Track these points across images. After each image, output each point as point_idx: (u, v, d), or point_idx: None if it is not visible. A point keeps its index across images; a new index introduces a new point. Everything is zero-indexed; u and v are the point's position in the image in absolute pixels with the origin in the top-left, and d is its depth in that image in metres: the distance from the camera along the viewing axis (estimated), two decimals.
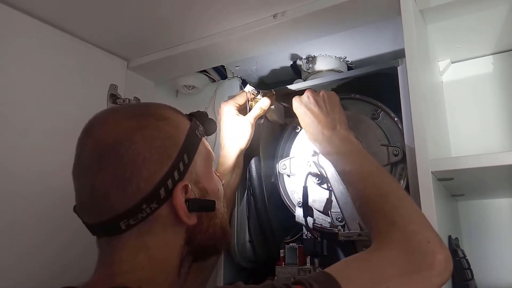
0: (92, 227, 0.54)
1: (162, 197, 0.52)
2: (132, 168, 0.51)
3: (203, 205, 0.58)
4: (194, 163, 0.57)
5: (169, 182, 0.53)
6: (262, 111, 0.87)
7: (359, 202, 0.65)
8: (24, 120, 0.81)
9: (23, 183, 0.79)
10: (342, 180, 0.73)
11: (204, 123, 0.63)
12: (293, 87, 0.94)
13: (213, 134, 0.68)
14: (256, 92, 0.88)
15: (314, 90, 0.82)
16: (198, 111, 0.65)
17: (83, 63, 0.95)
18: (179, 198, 0.53)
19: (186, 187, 0.55)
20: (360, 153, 0.71)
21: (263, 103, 0.87)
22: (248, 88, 0.87)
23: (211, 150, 0.65)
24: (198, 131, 0.60)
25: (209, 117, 0.66)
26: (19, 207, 0.78)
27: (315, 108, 0.77)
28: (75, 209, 0.56)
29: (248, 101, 0.88)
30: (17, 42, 0.81)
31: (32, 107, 0.83)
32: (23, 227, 0.79)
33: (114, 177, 0.51)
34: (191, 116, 0.62)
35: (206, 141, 0.63)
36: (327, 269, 0.53)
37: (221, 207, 0.64)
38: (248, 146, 0.86)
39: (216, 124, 0.66)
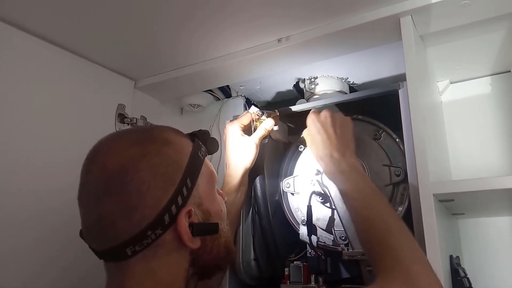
0: (99, 253, 0.55)
1: (166, 223, 0.53)
2: (137, 196, 0.52)
3: (206, 229, 0.59)
4: (197, 186, 0.58)
5: (173, 208, 0.54)
6: (267, 131, 0.89)
7: (361, 227, 0.66)
8: (33, 139, 0.83)
9: (30, 202, 0.81)
10: (344, 203, 0.75)
11: (206, 143, 0.64)
12: (296, 108, 0.97)
13: (218, 152, 0.69)
14: (261, 113, 0.90)
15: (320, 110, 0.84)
16: (200, 130, 0.65)
17: (92, 84, 0.97)
18: (183, 223, 0.54)
19: (189, 212, 0.55)
20: (366, 182, 0.72)
21: (267, 124, 0.89)
22: (253, 109, 0.90)
23: (214, 170, 0.65)
24: (200, 152, 0.61)
25: (211, 136, 0.67)
26: (25, 227, 0.80)
27: (330, 130, 0.78)
28: (81, 234, 0.58)
29: (253, 121, 0.90)
30: (26, 63, 0.83)
31: (42, 127, 0.85)
32: (28, 247, 0.80)
33: (120, 205, 0.52)
34: (193, 137, 0.63)
35: (208, 162, 0.64)
36: None
37: (224, 226, 0.65)
38: (253, 165, 0.88)
39: (218, 142, 0.68)
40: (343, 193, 0.74)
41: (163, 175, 0.54)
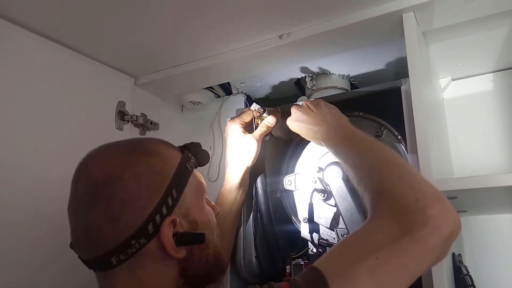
0: (87, 262, 0.56)
1: (150, 232, 0.53)
2: (121, 205, 0.53)
3: (191, 239, 0.58)
4: (183, 197, 0.58)
5: (157, 218, 0.54)
6: (268, 128, 0.89)
7: (357, 184, 0.63)
8: (33, 137, 0.82)
9: (28, 201, 0.80)
10: (346, 168, 0.71)
11: (196, 155, 0.64)
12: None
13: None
14: (262, 110, 0.90)
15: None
16: (192, 142, 0.66)
17: (92, 81, 0.97)
18: (167, 232, 0.54)
19: (174, 221, 0.55)
20: (352, 134, 0.70)
21: (269, 121, 0.89)
22: (254, 106, 0.89)
23: (203, 182, 0.65)
24: (189, 164, 0.61)
25: (202, 148, 0.67)
26: (24, 228, 0.79)
27: (304, 116, 0.79)
28: (71, 245, 0.58)
29: (254, 118, 0.90)
30: (25, 60, 0.82)
31: (42, 124, 0.84)
32: (26, 249, 0.79)
33: (105, 214, 0.53)
34: (184, 149, 0.63)
35: (198, 173, 0.64)
36: (316, 262, 0.50)
37: (213, 237, 0.64)
38: (254, 163, 0.87)
39: (208, 154, 0.69)
40: (340, 160, 0.72)
41: (147, 184, 0.55)
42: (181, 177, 0.59)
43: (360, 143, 0.68)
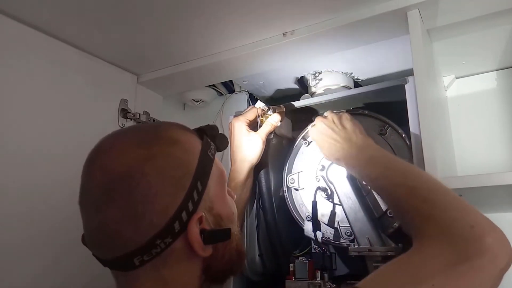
0: (104, 261, 0.52)
1: (176, 230, 0.49)
2: (144, 203, 0.48)
3: (219, 236, 0.54)
4: (207, 190, 0.53)
5: (184, 215, 0.50)
6: (273, 127, 0.89)
7: (392, 206, 0.63)
8: (35, 134, 0.82)
9: (32, 199, 0.80)
10: (372, 188, 0.71)
11: (215, 139, 0.59)
12: (300, 103, 0.96)
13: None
14: (267, 108, 0.89)
15: (320, 109, 0.83)
16: (208, 125, 0.60)
17: (94, 79, 0.96)
18: (194, 231, 0.50)
19: (201, 218, 0.51)
20: (381, 154, 0.70)
21: (273, 119, 0.89)
22: (259, 104, 0.89)
23: (224, 170, 0.61)
24: (210, 151, 0.56)
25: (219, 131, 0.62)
26: (31, 224, 0.79)
27: (328, 131, 0.78)
28: (84, 241, 0.54)
29: (258, 116, 0.89)
30: (28, 57, 0.82)
31: (44, 122, 0.84)
32: (36, 245, 0.79)
33: (125, 213, 0.48)
34: (201, 133, 0.57)
35: (218, 160, 0.60)
36: (362, 283, 0.48)
37: (235, 229, 0.60)
38: (258, 161, 0.87)
39: (227, 139, 0.63)
40: (365, 178, 0.71)
41: (171, 178, 0.50)
42: (204, 167, 0.53)
43: (393, 163, 0.66)
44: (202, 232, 0.51)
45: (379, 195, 0.69)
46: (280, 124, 0.93)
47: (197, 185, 0.52)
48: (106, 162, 0.50)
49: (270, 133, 0.90)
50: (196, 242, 0.50)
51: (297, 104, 0.96)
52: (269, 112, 0.89)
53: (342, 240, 0.83)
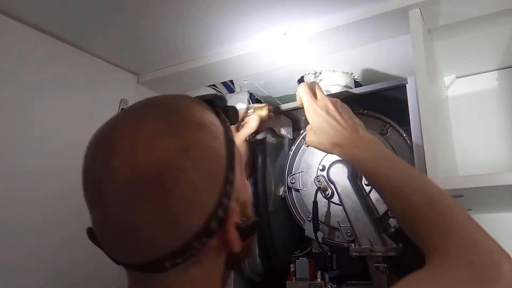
0: (126, 265, 0.46)
1: (213, 229, 0.44)
2: (182, 204, 0.42)
3: (251, 230, 0.50)
4: (235, 178, 0.47)
5: (220, 212, 0.44)
6: (251, 128, 0.84)
7: (402, 212, 0.59)
8: (34, 135, 0.82)
9: (34, 200, 0.80)
10: (375, 188, 0.66)
11: (228, 114, 0.51)
12: (286, 106, 0.97)
13: None
14: (245, 108, 0.85)
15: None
16: (216, 96, 0.52)
17: (94, 78, 0.96)
18: (232, 228, 0.46)
19: (234, 212, 0.47)
20: (392, 157, 0.66)
21: (250, 121, 0.84)
22: (239, 105, 0.84)
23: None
24: (230, 132, 0.49)
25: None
26: (34, 233, 0.79)
27: (328, 119, 0.70)
28: (93, 237, 0.46)
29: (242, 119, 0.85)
30: (26, 57, 0.82)
31: (43, 122, 0.84)
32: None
33: (161, 216, 0.41)
34: (215, 108, 0.50)
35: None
36: None
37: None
38: (245, 164, 0.85)
39: (238, 111, 0.58)
40: (369, 177, 0.66)
41: (207, 172, 0.44)
42: (232, 154, 0.47)
43: (402, 165, 0.63)
44: (237, 228, 0.47)
45: (381, 195, 0.65)
46: (280, 124, 0.93)
47: (229, 176, 0.46)
48: (133, 155, 0.41)
49: (258, 133, 0.88)
50: (234, 240, 0.46)
51: (282, 107, 0.96)
52: (250, 111, 0.85)
53: (343, 240, 0.83)
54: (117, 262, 0.46)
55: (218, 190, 0.44)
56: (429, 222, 0.54)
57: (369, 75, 1.06)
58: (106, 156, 0.42)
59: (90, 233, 0.46)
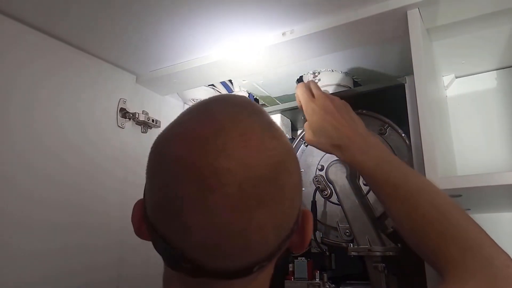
0: (213, 271, 0.40)
1: (295, 227, 0.43)
2: (290, 204, 0.41)
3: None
4: None
5: (300, 207, 0.44)
6: None
7: (410, 222, 0.57)
8: (33, 134, 0.81)
9: (34, 201, 0.79)
10: (378, 195, 0.64)
11: None
12: (271, 108, 0.98)
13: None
14: None
15: None
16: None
17: (93, 78, 0.96)
18: (309, 225, 0.45)
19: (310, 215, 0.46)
20: (396, 162, 0.63)
21: None
22: None
23: None
24: None
25: None
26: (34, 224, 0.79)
27: (334, 111, 0.69)
28: (168, 243, 0.40)
29: None
30: (24, 56, 0.81)
31: (42, 122, 0.84)
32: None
33: (273, 218, 0.39)
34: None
35: None
36: None
37: None
38: None
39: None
40: (372, 182, 0.64)
41: (300, 173, 0.44)
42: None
43: (410, 172, 0.62)
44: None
45: (384, 201, 0.62)
46: (279, 123, 0.93)
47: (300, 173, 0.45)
48: (250, 156, 0.38)
49: None
50: (310, 235, 0.45)
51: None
52: None
53: (341, 240, 0.83)
54: (197, 268, 0.40)
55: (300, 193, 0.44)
56: (444, 235, 0.53)
57: (368, 75, 1.06)
58: (218, 156, 0.38)
59: (163, 238, 0.40)
